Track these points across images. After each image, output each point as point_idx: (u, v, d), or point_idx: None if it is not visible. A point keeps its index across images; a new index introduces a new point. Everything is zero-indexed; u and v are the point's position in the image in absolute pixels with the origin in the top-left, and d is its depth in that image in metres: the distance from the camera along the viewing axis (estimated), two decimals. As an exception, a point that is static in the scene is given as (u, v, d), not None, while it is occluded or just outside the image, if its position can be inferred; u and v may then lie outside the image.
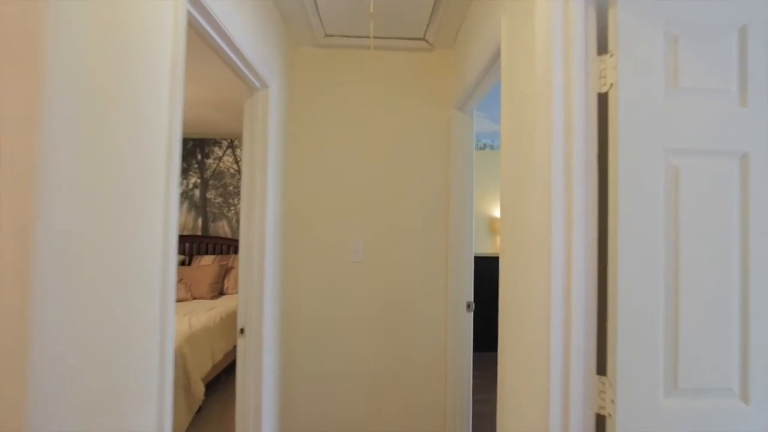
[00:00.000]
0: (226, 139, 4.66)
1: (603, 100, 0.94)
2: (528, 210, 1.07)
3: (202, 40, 1.25)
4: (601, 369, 0.91)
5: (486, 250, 4.60)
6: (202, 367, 2.71)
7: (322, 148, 2.19)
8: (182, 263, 4.38)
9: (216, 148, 4.65)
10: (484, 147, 4.71)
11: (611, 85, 0.92)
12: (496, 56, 1.40)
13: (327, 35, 2.11)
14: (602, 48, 0.95)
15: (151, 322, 0.88)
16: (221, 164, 4.64)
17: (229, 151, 4.64)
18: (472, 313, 2.10)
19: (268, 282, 1.78)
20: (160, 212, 0.92)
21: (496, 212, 4.65)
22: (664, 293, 0.86)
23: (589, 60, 0.95)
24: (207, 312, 3.26)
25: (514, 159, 1.19)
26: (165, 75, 0.93)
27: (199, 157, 4.64)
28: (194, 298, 3.88)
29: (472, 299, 2.09)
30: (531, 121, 1.07)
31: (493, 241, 4.64)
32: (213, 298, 3.92)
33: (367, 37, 2.11)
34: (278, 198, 1.94)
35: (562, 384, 0.91)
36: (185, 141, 4.62)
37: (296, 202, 2.18)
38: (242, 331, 1.76)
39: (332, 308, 2.17)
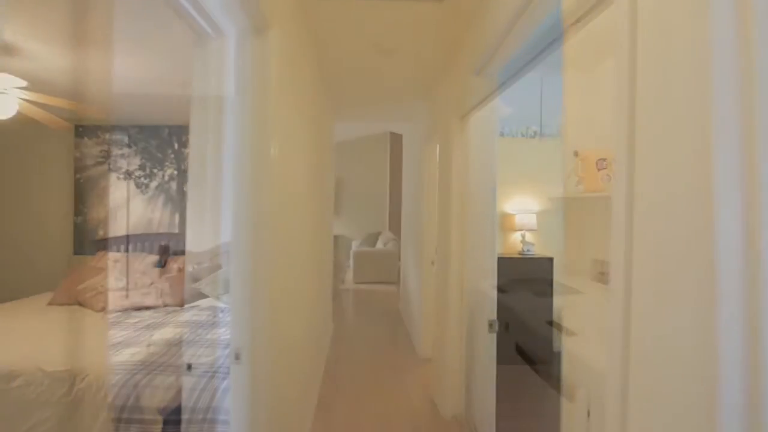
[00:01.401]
0: (205, 127, 4.17)
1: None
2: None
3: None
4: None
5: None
6: (163, 394, 2.25)
7: (299, 127, 1.73)
8: (156, 265, 3.90)
9: (194, 137, 4.16)
10: (492, 135, 4.25)
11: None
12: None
13: (309, -21, 1.65)
14: None
15: None
16: (200, 154, 4.16)
17: (208, 140, 4.16)
18: (494, 335, 1.65)
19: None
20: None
21: (506, 207, 4.19)
22: None
23: None
24: (176, 323, 2.80)
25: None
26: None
27: (176, 146, 4.16)
28: (166, 305, 3.41)
29: (495, 317, 1.64)
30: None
31: (504, 239, 4.18)
32: (188, 304, 3.46)
33: (361, -20, 1.65)
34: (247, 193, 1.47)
35: None
36: (159, 128, 4.13)
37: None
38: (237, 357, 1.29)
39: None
